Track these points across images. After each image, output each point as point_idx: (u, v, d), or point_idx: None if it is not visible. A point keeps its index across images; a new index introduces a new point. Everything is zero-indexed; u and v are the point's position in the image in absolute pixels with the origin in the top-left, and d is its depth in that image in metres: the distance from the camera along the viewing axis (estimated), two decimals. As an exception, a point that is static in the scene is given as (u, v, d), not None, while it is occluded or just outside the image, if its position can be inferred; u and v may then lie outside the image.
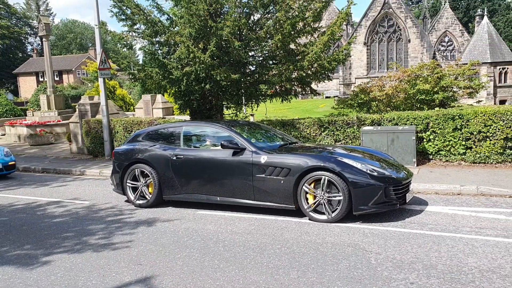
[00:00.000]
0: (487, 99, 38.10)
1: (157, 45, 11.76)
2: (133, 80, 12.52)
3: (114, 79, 29.43)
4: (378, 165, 6.04)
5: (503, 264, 4.09)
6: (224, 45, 10.82)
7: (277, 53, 11.19)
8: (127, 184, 7.27)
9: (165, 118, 13.62)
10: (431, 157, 9.73)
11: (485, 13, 44.80)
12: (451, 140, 9.40)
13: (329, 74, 12.00)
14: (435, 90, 11.41)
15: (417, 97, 11.63)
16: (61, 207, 7.51)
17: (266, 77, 11.23)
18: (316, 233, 5.34)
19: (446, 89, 11.69)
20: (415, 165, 9.28)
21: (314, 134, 10.59)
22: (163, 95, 18.40)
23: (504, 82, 42.15)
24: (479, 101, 13.80)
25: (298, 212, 6.08)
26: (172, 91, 12.17)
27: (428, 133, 9.60)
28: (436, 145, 9.57)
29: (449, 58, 46.90)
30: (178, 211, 6.82)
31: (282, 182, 5.93)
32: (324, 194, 5.73)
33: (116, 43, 13.36)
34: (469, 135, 9.25)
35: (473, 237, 4.97)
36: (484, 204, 6.56)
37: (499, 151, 9.06)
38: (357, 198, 5.58)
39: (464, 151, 9.36)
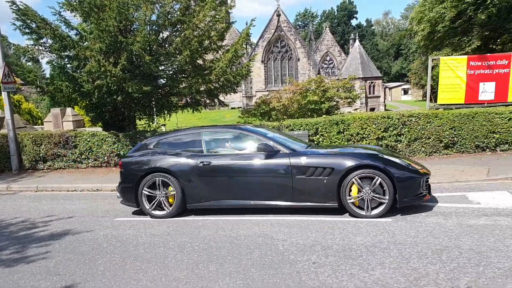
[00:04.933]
0: (361, 107, 41.96)
1: (66, 59, 10.88)
2: (41, 94, 11.42)
3: (18, 93, 26.43)
4: (406, 161, 5.81)
5: (382, 240, 4.53)
6: (135, 60, 10.42)
7: (186, 67, 11.10)
8: (143, 195, 6.15)
9: (76, 130, 12.59)
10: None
11: (357, 37, 49.41)
12: (336, 141, 10.18)
13: (235, 87, 12.24)
14: (322, 100, 12.30)
15: (308, 106, 12.41)
16: (-35, 225, 6.51)
17: (177, 89, 11.07)
18: (230, 228, 5.37)
19: (331, 99, 12.68)
20: (309, 164, 9.84)
21: (222, 140, 10.65)
22: (74, 108, 17.04)
23: (373, 94, 46.89)
24: (356, 109, 15.19)
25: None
26: (84, 103, 11.36)
27: (318, 136, 10.28)
28: (325, 146, 10.29)
29: (330, 74, 50.71)
30: (96, 219, 6.36)
31: (325, 181, 5.50)
32: (369, 190, 5.37)
33: (19, 56, 12.06)
34: (350, 136, 10.12)
35: (358, 219, 5.38)
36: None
37: (373, 149, 10.04)
38: (401, 192, 5.33)
39: (347, 150, 10.19)
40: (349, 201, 5.44)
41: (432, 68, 12.79)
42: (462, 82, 11.08)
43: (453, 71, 11.13)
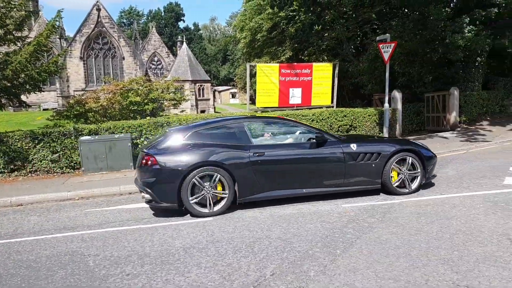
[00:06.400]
0: (191, 109, 42.99)
1: None
2: None
3: None
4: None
5: (201, 240, 4.65)
6: None
7: (-29, 59, 9.17)
8: (189, 191, 5.55)
9: None
10: (146, 160, 10.12)
11: (184, 40, 50.35)
12: (162, 144, 10.06)
13: (40, 86, 10.75)
14: (145, 101, 11.97)
15: (130, 107, 11.89)
16: None
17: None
18: (28, 251, 4.63)
19: (155, 101, 12.47)
20: (132, 168, 9.46)
21: (27, 147, 9.24)
22: None
23: (202, 96, 48.54)
24: (182, 111, 15.38)
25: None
26: None
27: (142, 139, 9.96)
28: (150, 149, 10.04)
29: (159, 76, 50.25)
30: None
31: (373, 165, 6.15)
32: (406, 171, 6.28)
33: None
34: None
35: (180, 222, 5.43)
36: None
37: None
38: (428, 170, 6.43)
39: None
40: (392, 179, 6.26)
41: (255, 73, 14.01)
42: (276, 87, 12.50)
43: (268, 77, 12.45)
